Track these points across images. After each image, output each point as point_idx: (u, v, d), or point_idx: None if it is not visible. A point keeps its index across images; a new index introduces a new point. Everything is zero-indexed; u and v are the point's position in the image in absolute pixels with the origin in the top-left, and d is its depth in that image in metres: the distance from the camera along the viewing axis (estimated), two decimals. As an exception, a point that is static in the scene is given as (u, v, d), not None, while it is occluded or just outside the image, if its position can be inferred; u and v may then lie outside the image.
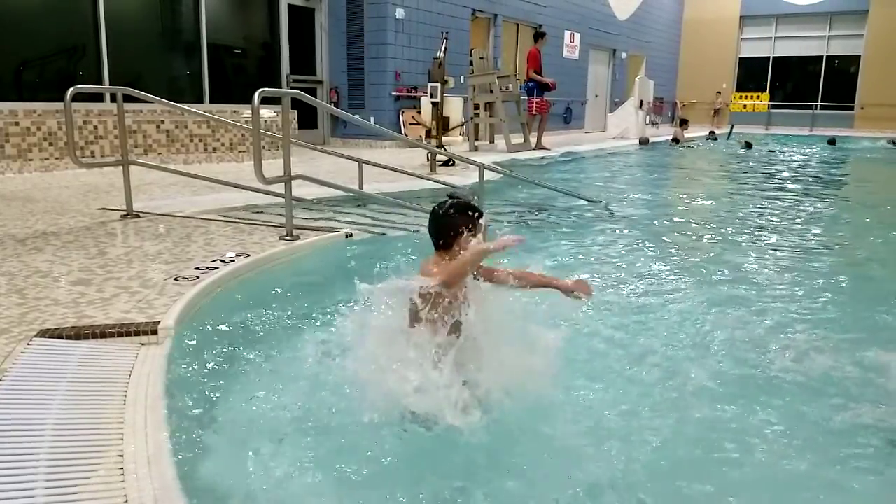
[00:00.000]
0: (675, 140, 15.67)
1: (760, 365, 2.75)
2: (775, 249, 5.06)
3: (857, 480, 1.98)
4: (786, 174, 10.72)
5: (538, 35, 12.64)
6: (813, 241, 5.47)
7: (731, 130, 17.32)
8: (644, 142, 15.12)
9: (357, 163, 6.04)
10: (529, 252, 4.61)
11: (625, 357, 2.78)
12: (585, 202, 6.73)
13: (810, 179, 10.14)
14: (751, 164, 12.35)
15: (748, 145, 14.90)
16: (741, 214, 6.65)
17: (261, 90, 3.98)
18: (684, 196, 8.46)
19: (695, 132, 18.06)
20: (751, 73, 24.11)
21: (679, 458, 2.06)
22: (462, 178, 7.25)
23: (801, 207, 7.16)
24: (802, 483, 1.97)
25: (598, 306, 3.43)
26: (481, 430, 2.06)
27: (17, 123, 7.24)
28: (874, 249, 5.28)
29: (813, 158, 13.64)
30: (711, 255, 4.87)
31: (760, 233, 5.71)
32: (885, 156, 14.81)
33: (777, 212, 6.83)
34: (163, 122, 8.48)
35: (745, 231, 5.77)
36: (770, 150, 14.55)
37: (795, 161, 12.97)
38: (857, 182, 10.90)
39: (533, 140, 12.11)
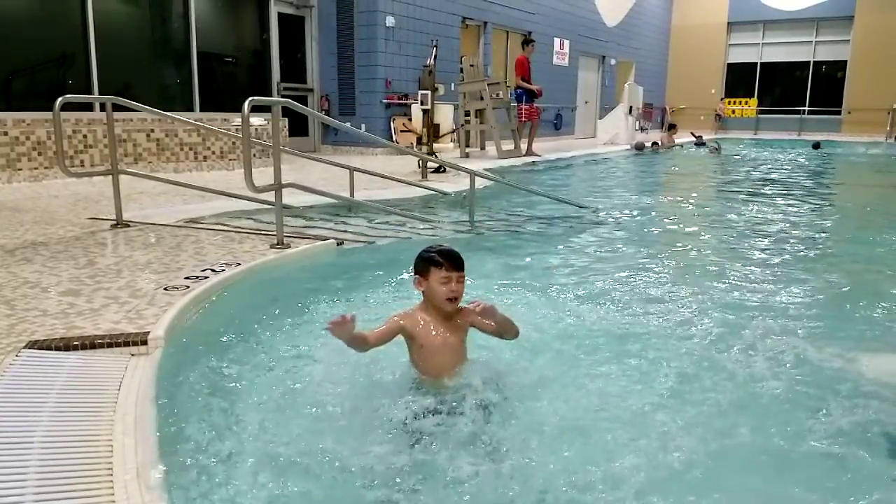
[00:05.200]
0: (655, 144, 15.99)
1: (751, 365, 2.77)
2: (757, 250, 5.12)
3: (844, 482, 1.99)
4: (760, 177, 10.92)
5: (525, 42, 12.73)
6: (792, 241, 5.53)
7: (701, 139, 17.72)
8: (640, 147, 15.27)
9: (348, 170, 6.05)
10: (524, 257, 4.63)
11: (613, 362, 2.78)
12: (575, 208, 6.75)
13: (789, 181, 10.32)
14: (729, 167, 12.66)
15: (715, 149, 15.38)
16: (725, 216, 6.73)
17: (251, 99, 3.99)
18: (670, 200, 8.52)
19: (685, 137, 18.18)
20: (739, 79, 24.30)
21: (670, 462, 2.07)
22: (453, 185, 7.27)
23: (780, 209, 7.24)
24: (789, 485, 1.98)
25: (589, 310, 3.45)
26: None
27: (5, 133, 7.20)
28: (858, 249, 5.34)
29: (792, 162, 13.95)
30: (698, 258, 4.91)
31: (742, 233, 5.80)
32: (860, 158, 15.17)
33: (756, 213, 6.95)
34: (153, 130, 8.46)
35: (729, 232, 5.85)
36: (740, 154, 15.09)
37: (770, 164, 13.30)
38: (835, 184, 11.14)
39: (523, 146, 12.16)
